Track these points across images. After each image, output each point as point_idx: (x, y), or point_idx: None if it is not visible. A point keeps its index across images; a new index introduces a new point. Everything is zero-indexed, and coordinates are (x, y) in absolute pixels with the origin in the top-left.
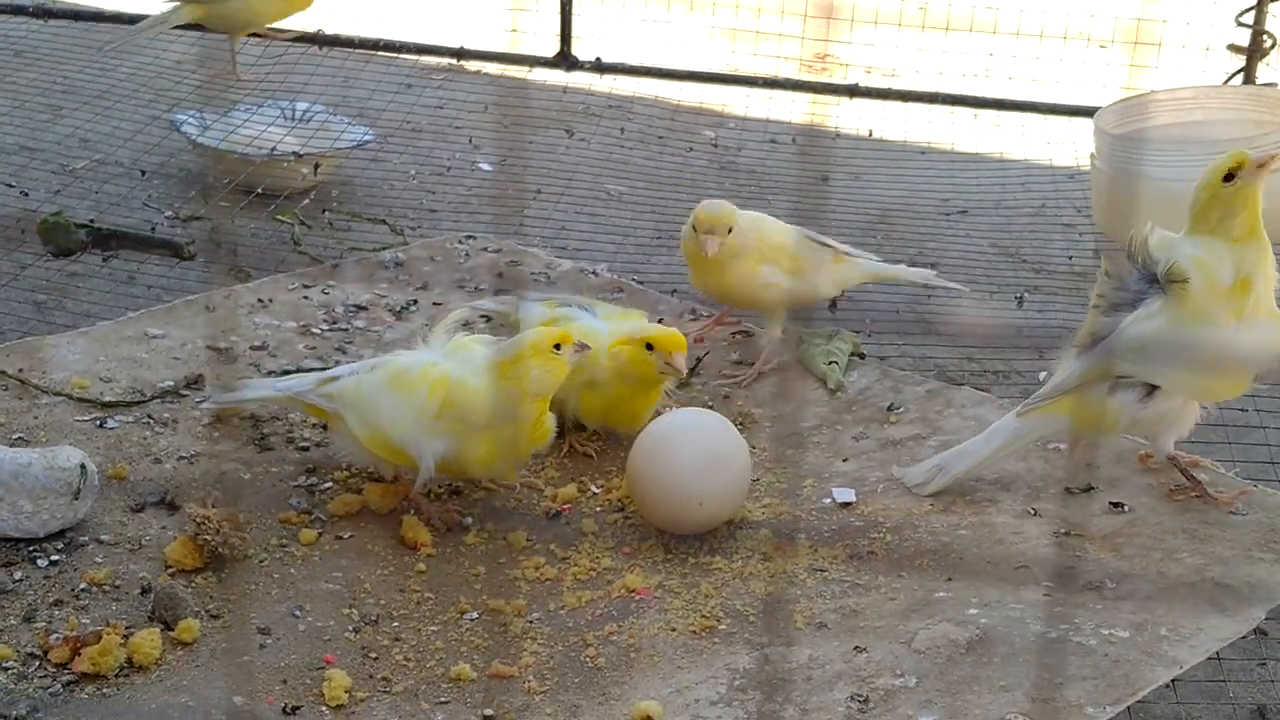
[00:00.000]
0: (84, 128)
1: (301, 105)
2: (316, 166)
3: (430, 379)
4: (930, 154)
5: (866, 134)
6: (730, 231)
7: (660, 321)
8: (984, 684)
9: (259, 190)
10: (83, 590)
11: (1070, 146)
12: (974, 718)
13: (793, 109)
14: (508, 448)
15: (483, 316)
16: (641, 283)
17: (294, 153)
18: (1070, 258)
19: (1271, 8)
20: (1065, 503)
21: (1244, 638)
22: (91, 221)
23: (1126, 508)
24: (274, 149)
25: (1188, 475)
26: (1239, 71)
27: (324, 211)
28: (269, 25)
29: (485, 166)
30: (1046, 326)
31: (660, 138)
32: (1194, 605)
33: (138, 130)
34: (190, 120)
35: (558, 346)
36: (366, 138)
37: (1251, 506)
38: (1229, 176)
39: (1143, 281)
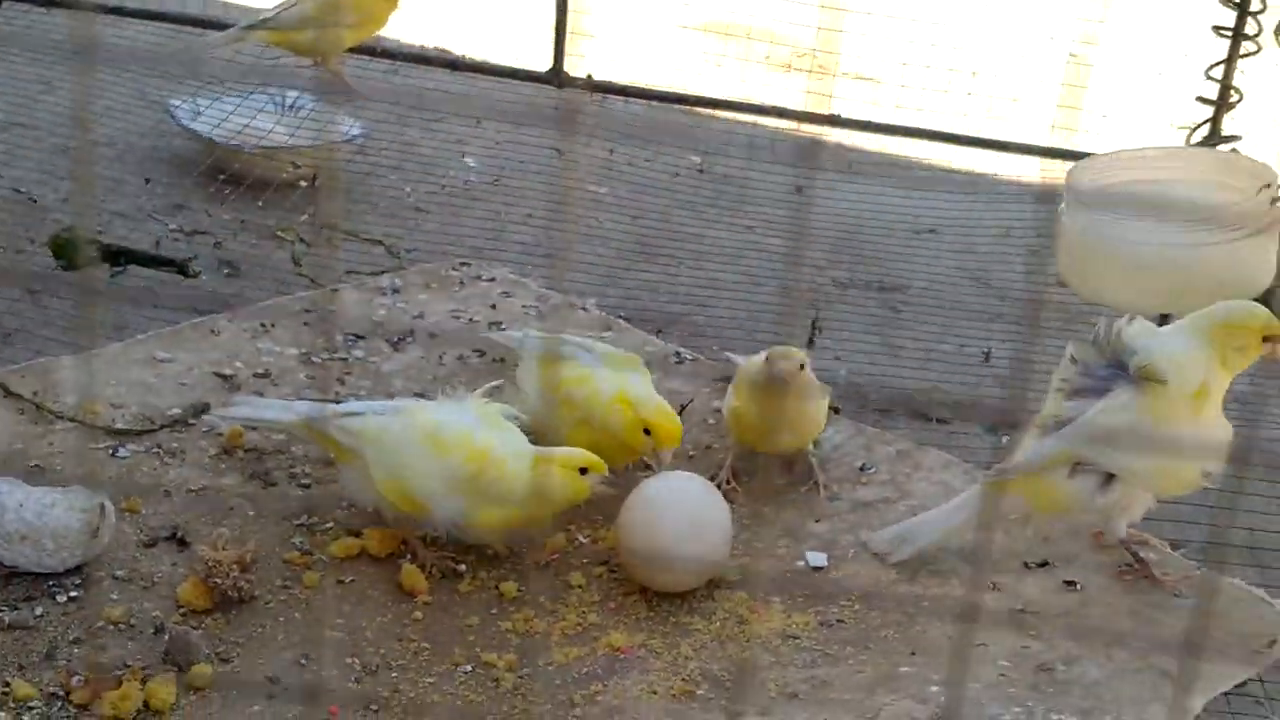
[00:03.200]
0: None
1: (291, 93)
2: (315, 178)
3: (470, 447)
4: (901, 164)
5: (845, 164)
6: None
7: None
8: None
9: (247, 183)
10: (100, 628)
11: (1036, 169)
12: None
13: (760, 118)
14: (516, 527)
15: (476, 351)
16: (628, 319)
17: (292, 162)
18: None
19: (1240, 63)
20: (1022, 578)
21: None
22: (100, 233)
23: (1079, 585)
24: (262, 140)
25: (1136, 557)
26: (1206, 122)
27: (322, 229)
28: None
29: (471, 163)
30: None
31: (647, 160)
32: (1137, 693)
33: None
34: (183, 106)
35: (584, 470)
36: (356, 132)
37: (1193, 590)
38: (1269, 338)
39: (1109, 369)
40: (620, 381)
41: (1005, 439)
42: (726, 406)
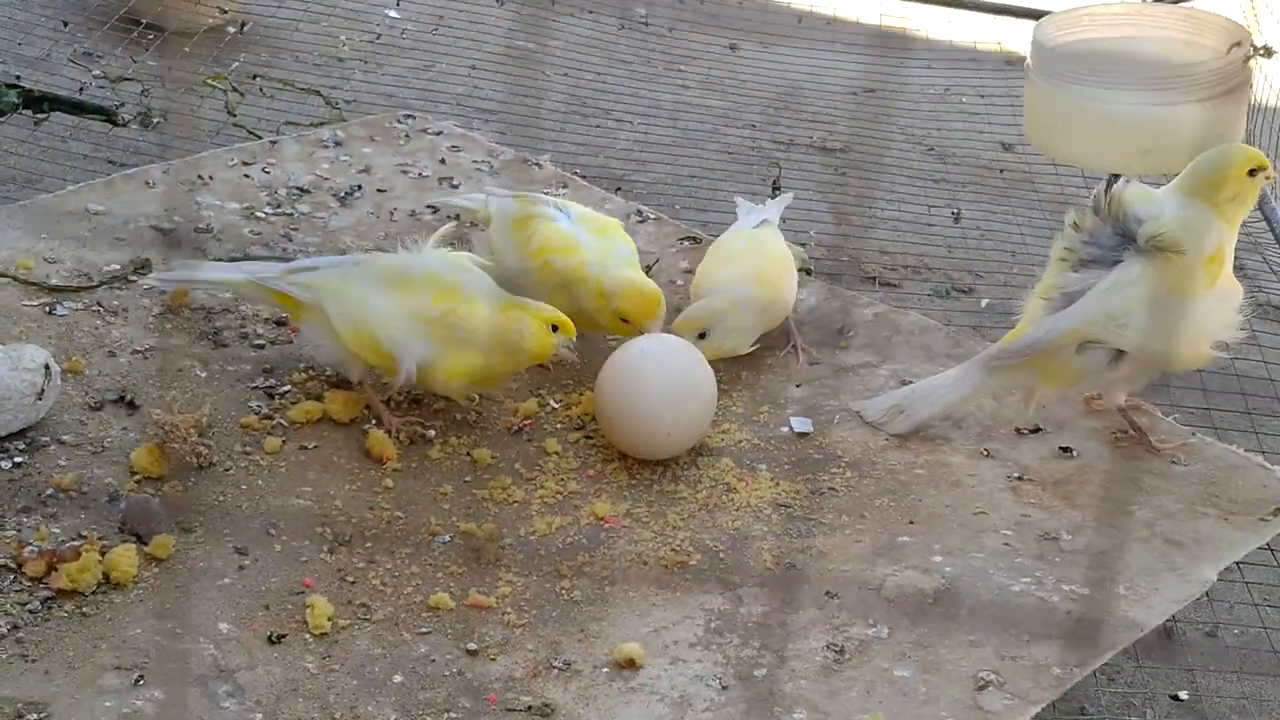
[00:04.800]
0: None
1: None
2: (243, 25)
3: (439, 284)
4: (835, 25)
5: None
6: None
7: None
8: (954, 638)
9: (171, 29)
10: (49, 496)
11: (968, 29)
12: (948, 674)
13: None
14: (477, 377)
15: (428, 207)
16: (585, 177)
17: (219, 8)
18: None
19: None
20: (1015, 444)
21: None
22: (18, 79)
23: (1075, 452)
24: None
25: (1133, 424)
26: None
27: (254, 78)
28: None
29: (392, 14)
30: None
31: (590, 12)
32: (1147, 563)
33: None
34: None
35: (555, 328)
36: None
37: (1191, 457)
38: (1253, 171)
39: (1115, 237)
40: (603, 259)
41: (985, 303)
42: (695, 282)
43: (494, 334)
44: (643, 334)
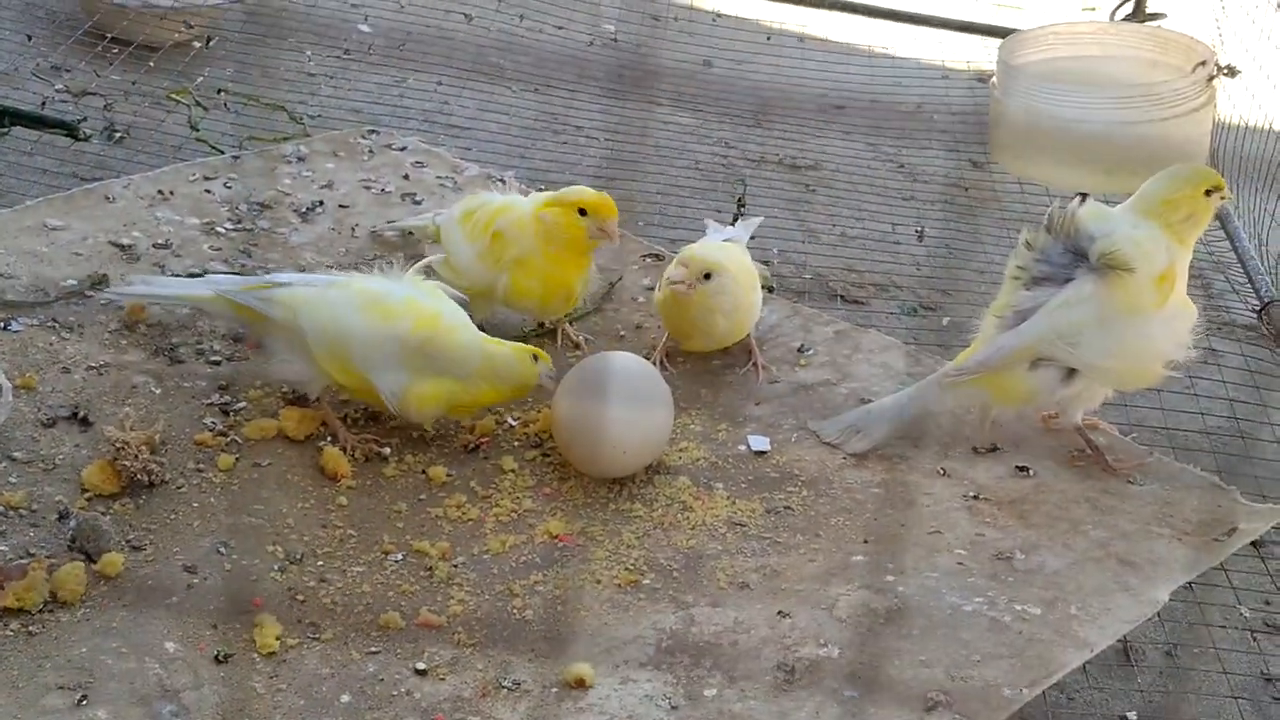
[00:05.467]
0: None
1: None
2: (209, 40)
3: (419, 312)
4: (807, 42)
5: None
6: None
7: None
8: (905, 657)
9: (136, 44)
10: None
11: (937, 46)
12: (897, 694)
13: None
14: (453, 404)
15: (389, 222)
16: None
17: (184, 22)
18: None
19: None
20: (972, 463)
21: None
22: None
23: (1031, 471)
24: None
25: (1090, 444)
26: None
27: (219, 92)
28: None
29: (364, 29)
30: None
31: (560, 28)
32: (1100, 583)
33: None
34: None
35: (536, 358)
36: None
37: (1148, 477)
38: (1209, 191)
39: (1067, 255)
40: (536, 198)
41: (946, 321)
42: (655, 296)
43: (478, 364)
44: (608, 231)
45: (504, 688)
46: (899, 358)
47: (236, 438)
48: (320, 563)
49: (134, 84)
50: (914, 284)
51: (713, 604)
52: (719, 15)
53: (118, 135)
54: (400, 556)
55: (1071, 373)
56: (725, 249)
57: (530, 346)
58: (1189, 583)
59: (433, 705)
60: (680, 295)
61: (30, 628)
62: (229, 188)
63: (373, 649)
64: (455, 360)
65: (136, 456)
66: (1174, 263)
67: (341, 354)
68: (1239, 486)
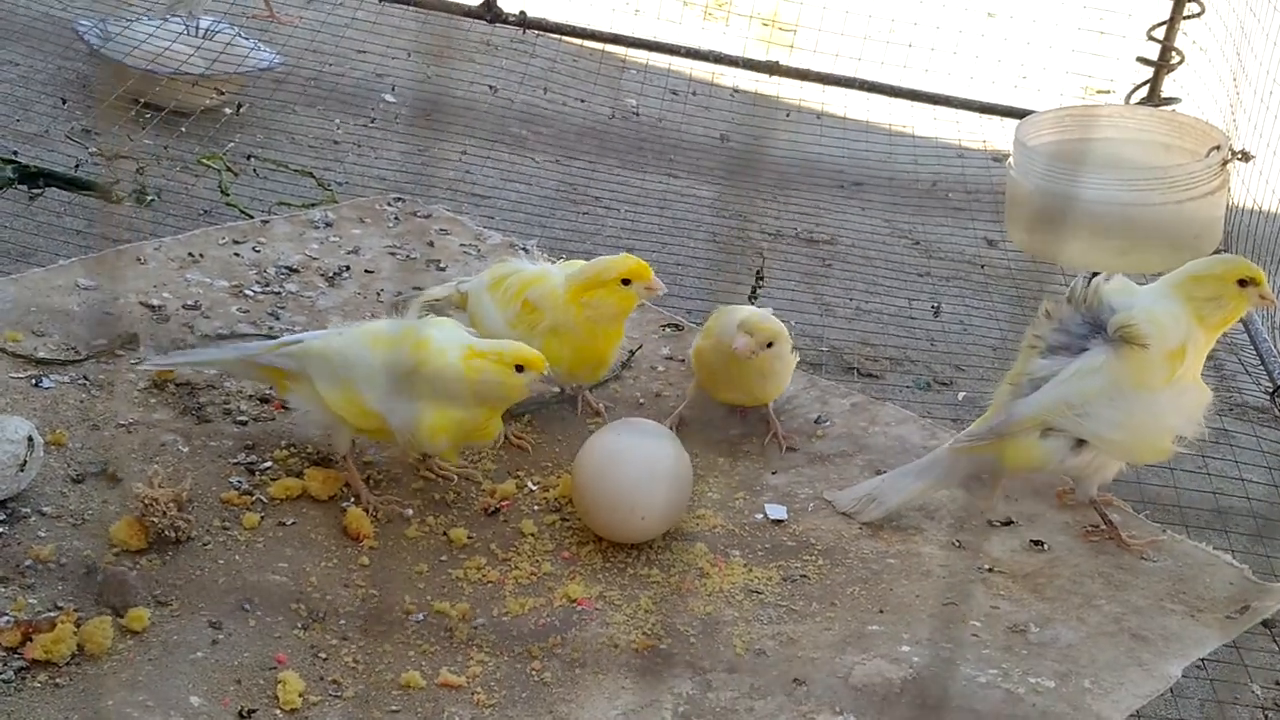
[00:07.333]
0: None
1: (205, 21)
2: (240, 107)
3: (414, 338)
4: (825, 119)
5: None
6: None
7: None
8: None
9: (168, 109)
10: (28, 566)
11: (953, 125)
12: None
13: (693, 65)
14: (464, 430)
15: (415, 288)
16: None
17: (216, 89)
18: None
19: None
20: (987, 536)
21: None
22: (15, 154)
23: (1046, 546)
24: (180, 67)
25: (1105, 519)
26: (1145, 83)
27: (249, 158)
28: None
29: (389, 99)
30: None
31: (581, 101)
32: (1114, 658)
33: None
34: (91, 29)
35: (520, 368)
36: (273, 61)
37: (1161, 554)
38: (1244, 282)
39: (1085, 326)
40: (569, 271)
41: (961, 395)
42: (694, 347)
43: (463, 385)
44: (650, 290)
45: None
46: (915, 431)
47: (262, 496)
48: (342, 621)
49: (165, 148)
50: (928, 359)
51: (729, 670)
52: (737, 90)
53: (149, 198)
54: (421, 617)
55: (1081, 442)
56: (772, 318)
57: (514, 353)
58: (1201, 660)
59: None
60: (744, 359)
61: (58, 680)
62: (258, 251)
63: (393, 708)
64: (447, 385)
65: (164, 513)
66: (1188, 341)
67: (349, 393)
68: (1251, 565)
